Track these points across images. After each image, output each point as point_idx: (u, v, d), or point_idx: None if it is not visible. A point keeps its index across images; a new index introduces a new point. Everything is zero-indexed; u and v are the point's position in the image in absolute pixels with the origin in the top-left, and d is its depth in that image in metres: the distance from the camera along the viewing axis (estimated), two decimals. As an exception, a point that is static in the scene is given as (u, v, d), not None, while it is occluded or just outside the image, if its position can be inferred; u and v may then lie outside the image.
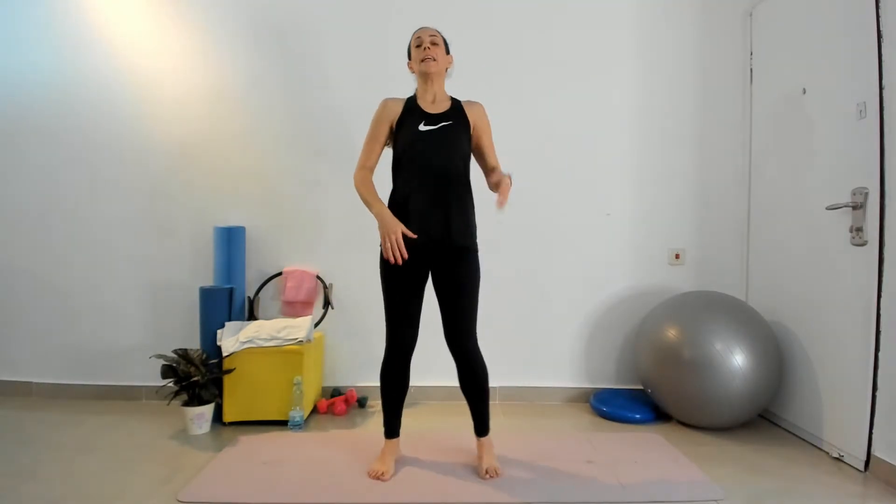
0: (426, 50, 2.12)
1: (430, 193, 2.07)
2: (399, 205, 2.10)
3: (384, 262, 2.11)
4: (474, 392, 2.19)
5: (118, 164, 3.14)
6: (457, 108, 2.19)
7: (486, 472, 2.13)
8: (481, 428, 2.23)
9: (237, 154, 3.14)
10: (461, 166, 2.13)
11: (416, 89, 2.21)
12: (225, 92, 3.13)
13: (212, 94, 3.13)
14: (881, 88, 2.16)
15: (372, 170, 2.20)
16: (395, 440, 2.26)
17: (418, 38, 2.16)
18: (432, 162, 2.07)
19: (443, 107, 2.17)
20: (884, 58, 2.16)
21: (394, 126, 2.17)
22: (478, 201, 2.21)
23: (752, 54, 3.07)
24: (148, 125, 3.13)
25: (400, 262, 2.01)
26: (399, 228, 2.02)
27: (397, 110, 2.16)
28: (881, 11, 2.16)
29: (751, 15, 3.06)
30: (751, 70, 3.07)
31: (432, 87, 2.16)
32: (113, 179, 3.15)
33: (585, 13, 3.12)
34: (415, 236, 2.04)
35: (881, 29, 2.16)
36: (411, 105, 2.17)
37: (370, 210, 2.10)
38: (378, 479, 2.12)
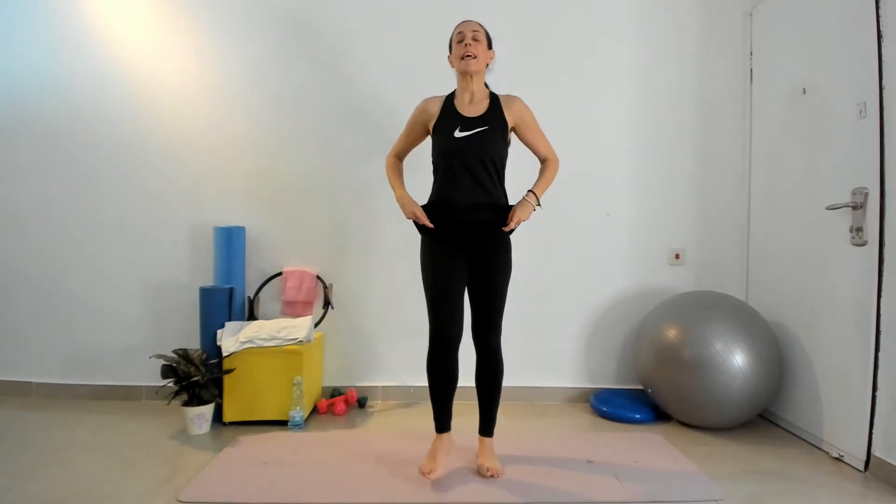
0: (467, 46, 2.09)
1: (465, 194, 2.10)
2: (437, 203, 2.16)
3: (426, 256, 2.18)
4: (488, 389, 2.20)
5: (118, 164, 3.14)
6: (494, 107, 2.16)
7: (488, 471, 2.13)
8: (487, 428, 2.23)
9: (237, 154, 3.14)
10: (495, 169, 2.13)
11: (456, 86, 2.21)
12: (225, 92, 3.13)
13: (212, 94, 3.13)
14: (881, 88, 2.16)
15: (402, 158, 2.33)
16: (444, 435, 2.22)
17: (460, 32, 2.13)
18: (467, 166, 2.09)
19: (480, 108, 2.15)
20: (884, 58, 2.15)
21: (430, 128, 2.21)
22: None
23: (752, 54, 3.07)
24: (148, 125, 3.13)
25: (430, 224, 2.11)
26: (415, 208, 2.13)
27: (434, 112, 2.18)
28: (881, 11, 2.16)
29: (751, 15, 3.06)
30: (751, 70, 3.07)
31: (471, 84, 2.15)
32: (112, 179, 3.14)
33: (585, 13, 3.12)
34: (432, 226, 2.11)
35: (881, 29, 2.16)
36: (448, 106, 2.17)
37: (393, 192, 2.24)
38: (426, 476, 2.07)
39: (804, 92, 2.60)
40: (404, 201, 2.18)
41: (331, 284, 3.14)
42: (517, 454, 2.36)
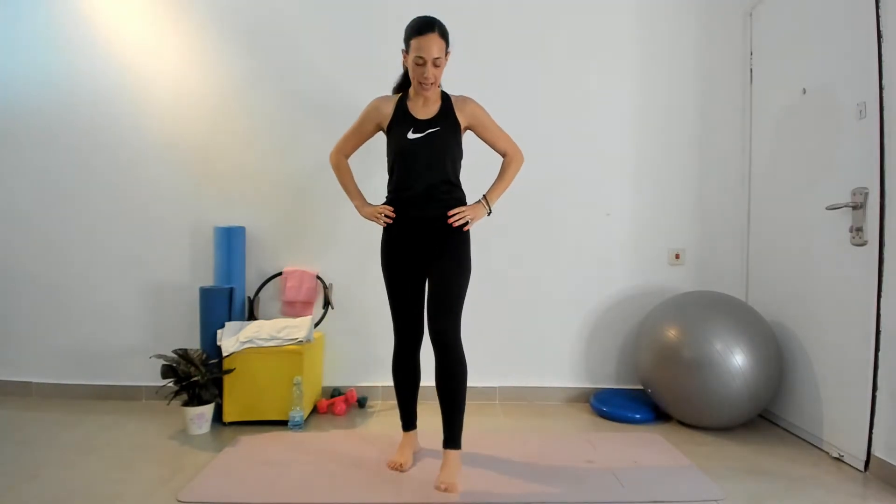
0: (426, 77, 2.04)
1: (421, 195, 2.14)
2: (394, 202, 2.21)
3: (384, 255, 2.24)
4: (447, 392, 2.10)
5: (118, 164, 3.14)
6: (447, 109, 2.17)
7: (442, 484, 2.02)
8: (450, 438, 2.11)
9: (237, 154, 3.14)
10: (450, 169, 2.16)
11: (409, 89, 2.20)
12: (225, 92, 3.13)
13: (212, 95, 3.13)
14: (881, 88, 2.16)
15: (347, 156, 2.36)
16: (411, 433, 2.31)
17: (420, 57, 2.01)
18: (422, 167, 2.13)
19: (433, 110, 2.16)
20: (884, 58, 2.15)
21: (383, 128, 2.23)
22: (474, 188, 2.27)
23: (752, 54, 3.07)
24: (148, 125, 3.13)
25: (391, 217, 2.18)
26: (375, 208, 2.23)
27: (387, 113, 2.19)
28: (881, 11, 2.16)
29: (751, 15, 3.06)
30: (751, 70, 3.07)
31: (425, 93, 2.14)
32: (112, 179, 3.14)
33: (585, 13, 3.12)
34: (393, 214, 2.17)
35: (881, 29, 2.16)
36: (402, 108, 2.18)
37: (352, 201, 2.33)
38: (396, 469, 2.19)
39: (804, 92, 2.60)
40: (365, 210, 2.27)
41: (331, 284, 3.14)
42: (517, 454, 2.36)
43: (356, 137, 2.31)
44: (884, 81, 2.16)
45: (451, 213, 2.13)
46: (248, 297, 3.09)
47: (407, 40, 2.07)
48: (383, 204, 2.24)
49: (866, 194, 2.21)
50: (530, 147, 3.10)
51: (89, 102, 3.13)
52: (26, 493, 2.02)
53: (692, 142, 3.16)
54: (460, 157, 2.21)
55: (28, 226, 3.17)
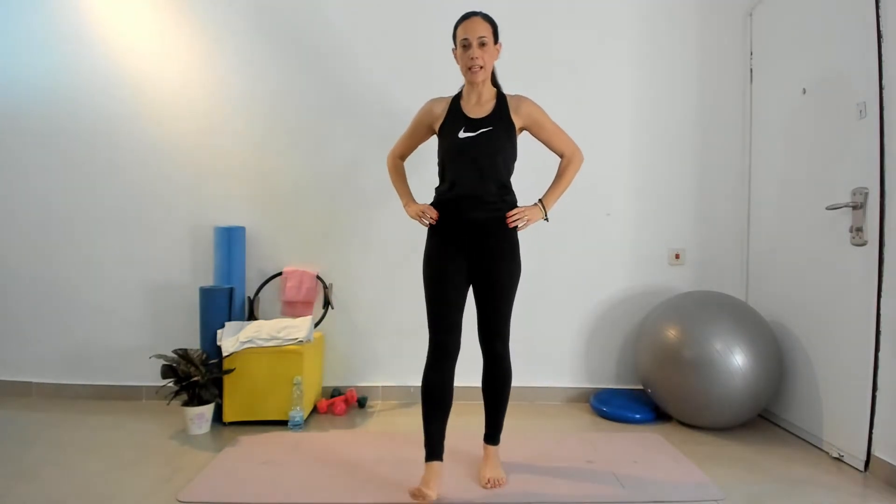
0: (474, 59, 2.00)
1: (470, 196, 2.04)
2: (442, 203, 2.11)
3: (427, 258, 2.10)
4: (494, 397, 2.16)
5: (118, 164, 3.14)
6: (501, 108, 2.09)
7: (489, 482, 2.07)
8: (492, 435, 2.19)
9: (237, 154, 3.14)
10: (502, 170, 2.07)
11: (462, 88, 2.14)
12: (225, 92, 3.13)
13: (212, 94, 3.13)
14: (881, 88, 2.16)
15: (404, 158, 2.29)
16: (435, 464, 2.00)
17: (465, 38, 2.00)
18: (472, 168, 2.03)
19: (486, 108, 2.08)
20: (884, 58, 2.15)
21: (435, 129, 2.15)
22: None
23: (752, 54, 3.07)
24: (147, 125, 3.13)
25: (435, 217, 2.08)
26: (420, 206, 2.13)
27: (439, 113, 2.12)
28: (881, 11, 2.16)
29: (751, 15, 3.06)
30: (751, 70, 3.07)
31: (477, 87, 2.08)
32: (113, 179, 3.14)
33: (586, 13, 3.12)
34: (436, 216, 2.08)
35: (881, 29, 2.16)
36: (454, 107, 2.11)
37: (401, 199, 2.23)
38: (420, 499, 1.92)
39: (804, 92, 2.60)
40: (410, 208, 2.16)
41: (331, 284, 3.14)
42: (517, 454, 2.36)
43: (411, 140, 2.25)
44: (884, 81, 2.16)
45: (509, 213, 2.05)
46: (248, 297, 3.09)
47: (454, 34, 2.07)
48: (430, 204, 2.14)
49: (866, 194, 2.21)
50: (531, 147, 3.12)
51: (90, 102, 3.13)
52: (26, 493, 2.02)
53: (692, 142, 3.16)
54: (514, 158, 2.12)
55: (28, 226, 3.17)
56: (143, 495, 2.01)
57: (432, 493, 1.93)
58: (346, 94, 3.12)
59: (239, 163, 3.14)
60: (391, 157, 2.30)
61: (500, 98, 2.12)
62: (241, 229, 3.06)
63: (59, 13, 3.12)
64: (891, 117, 2.14)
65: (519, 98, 2.13)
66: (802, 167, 2.63)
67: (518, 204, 2.13)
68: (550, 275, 3.15)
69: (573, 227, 3.14)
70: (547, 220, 2.15)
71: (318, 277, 3.13)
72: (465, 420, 2.34)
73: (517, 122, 2.09)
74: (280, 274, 3.13)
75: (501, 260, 2.07)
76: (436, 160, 2.16)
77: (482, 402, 2.21)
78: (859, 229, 2.23)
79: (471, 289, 2.14)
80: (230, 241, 2.97)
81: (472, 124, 2.05)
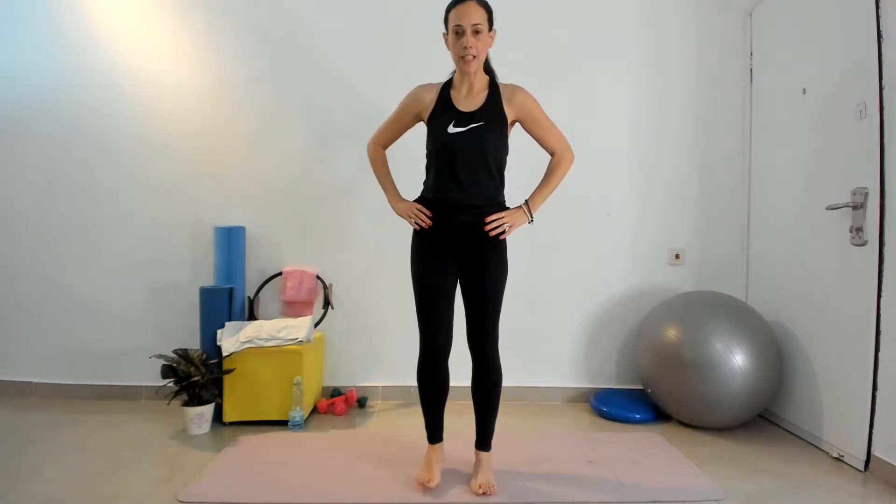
0: (467, 49, 1.90)
1: (459, 194, 1.98)
2: (429, 199, 2.05)
3: (415, 259, 2.08)
4: (484, 400, 2.09)
5: (118, 164, 3.14)
6: (494, 99, 1.99)
7: (480, 487, 2.01)
8: (482, 441, 2.11)
9: (237, 154, 3.14)
10: (492, 166, 2.00)
11: (453, 74, 2.05)
12: (225, 92, 3.13)
13: (212, 95, 3.13)
14: (881, 88, 2.16)
15: (385, 147, 2.18)
16: (436, 445, 2.15)
17: (458, 25, 1.90)
18: (461, 166, 1.96)
19: (478, 100, 1.99)
20: (884, 58, 2.15)
21: (423, 118, 2.06)
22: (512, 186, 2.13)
23: (752, 54, 3.07)
24: (148, 125, 3.13)
25: (428, 222, 2.00)
26: (410, 205, 2.05)
27: (428, 102, 2.02)
28: (881, 12, 2.16)
29: (751, 15, 3.06)
30: (751, 70, 3.07)
31: (469, 77, 1.99)
32: (112, 180, 3.14)
33: (585, 12, 3.12)
34: (430, 213, 2.00)
35: (881, 29, 2.16)
36: (444, 98, 2.01)
37: (385, 194, 2.14)
38: (426, 485, 2.03)
39: (804, 92, 2.60)
40: (399, 205, 2.09)
41: (331, 284, 3.14)
42: (517, 454, 2.36)
43: (394, 127, 2.13)
44: (884, 81, 2.16)
45: (488, 219, 1.97)
46: (248, 297, 3.09)
47: (445, 19, 1.97)
48: (417, 201, 2.07)
49: (866, 194, 2.21)
50: (529, 147, 3.12)
51: (90, 102, 3.13)
52: (26, 493, 2.02)
53: (692, 142, 3.16)
54: (506, 152, 2.04)
55: (28, 226, 3.16)
56: (143, 495, 2.01)
57: (435, 477, 2.04)
58: (346, 94, 3.12)
59: (239, 163, 3.14)
60: (372, 146, 2.18)
61: (493, 87, 2.03)
62: (241, 229, 3.06)
63: (60, 13, 3.11)
64: (891, 117, 2.14)
65: (514, 88, 2.04)
66: (802, 167, 2.63)
67: (506, 203, 2.08)
68: (550, 275, 3.15)
69: (573, 228, 3.14)
70: (532, 222, 2.07)
71: (318, 277, 3.13)
72: (464, 421, 2.33)
73: (510, 114, 2.01)
74: (280, 274, 3.13)
75: (490, 259, 2.03)
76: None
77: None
78: (859, 229, 2.23)
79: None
80: (230, 241, 2.97)
81: (462, 118, 1.97)
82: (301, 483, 2.11)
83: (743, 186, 3.13)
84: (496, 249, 2.04)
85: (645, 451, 2.42)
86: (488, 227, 1.97)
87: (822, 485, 2.13)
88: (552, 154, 2.12)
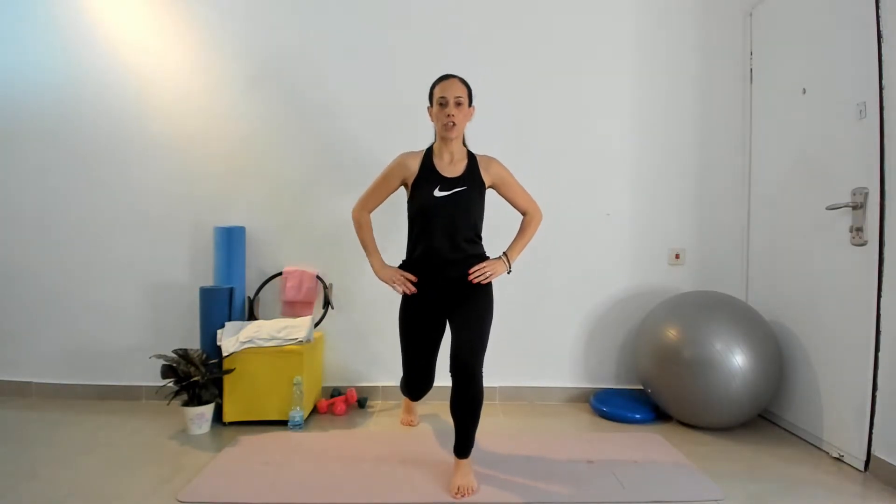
0: (450, 116, 2.13)
1: (443, 252, 2.18)
2: (413, 261, 2.25)
3: (403, 313, 2.28)
4: (466, 416, 2.05)
5: (118, 163, 3.14)
6: (472, 168, 2.22)
7: (458, 491, 2.00)
8: (463, 448, 2.08)
9: (237, 154, 3.14)
10: (474, 227, 2.22)
11: (434, 144, 2.26)
12: (226, 92, 3.13)
13: (213, 95, 3.13)
14: (881, 88, 2.16)
15: (371, 211, 2.36)
16: (413, 403, 2.64)
17: (442, 97, 2.15)
18: (446, 226, 2.16)
19: (459, 168, 2.21)
20: (884, 58, 2.16)
21: (408, 184, 2.25)
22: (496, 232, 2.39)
23: (752, 54, 3.07)
24: (148, 125, 3.13)
25: (412, 288, 2.20)
26: (395, 272, 2.25)
27: (413, 169, 2.21)
28: (881, 12, 2.16)
29: (751, 15, 3.06)
30: (751, 70, 3.07)
31: (450, 146, 2.21)
32: (112, 179, 3.14)
33: (585, 13, 3.12)
34: (415, 279, 2.21)
35: (881, 29, 2.16)
36: (428, 165, 2.21)
37: (368, 259, 2.33)
38: (411, 425, 2.66)
39: (804, 92, 2.60)
40: (384, 271, 2.28)
41: (331, 284, 3.14)
42: (517, 454, 2.36)
43: (380, 192, 2.31)
44: (884, 81, 2.16)
45: (472, 270, 2.18)
46: (248, 297, 3.09)
47: (430, 93, 2.22)
48: (402, 264, 2.29)
49: (866, 194, 2.21)
50: (529, 147, 3.13)
51: (90, 102, 3.13)
52: (26, 493, 2.02)
53: (692, 142, 3.16)
54: (483, 214, 2.26)
55: (28, 226, 3.16)
56: (143, 495, 2.01)
57: (416, 420, 2.72)
58: (346, 94, 3.12)
59: (239, 163, 3.14)
60: (359, 211, 2.35)
61: (471, 158, 2.25)
62: (241, 229, 3.06)
63: (61, 12, 3.11)
64: (891, 117, 2.14)
65: (488, 159, 2.27)
66: (802, 167, 2.63)
67: (486, 254, 2.29)
68: (550, 275, 3.15)
69: (573, 228, 3.14)
70: (510, 272, 2.30)
71: (318, 277, 3.13)
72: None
73: (486, 180, 2.24)
74: (280, 274, 3.13)
75: (477, 296, 2.20)
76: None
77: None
78: (859, 229, 2.23)
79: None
80: (230, 241, 2.97)
81: (446, 183, 2.17)
82: (301, 483, 2.11)
83: (743, 186, 3.13)
84: (482, 290, 2.22)
85: (645, 451, 2.42)
86: (472, 276, 2.18)
87: (822, 485, 2.13)
88: (524, 213, 2.36)
